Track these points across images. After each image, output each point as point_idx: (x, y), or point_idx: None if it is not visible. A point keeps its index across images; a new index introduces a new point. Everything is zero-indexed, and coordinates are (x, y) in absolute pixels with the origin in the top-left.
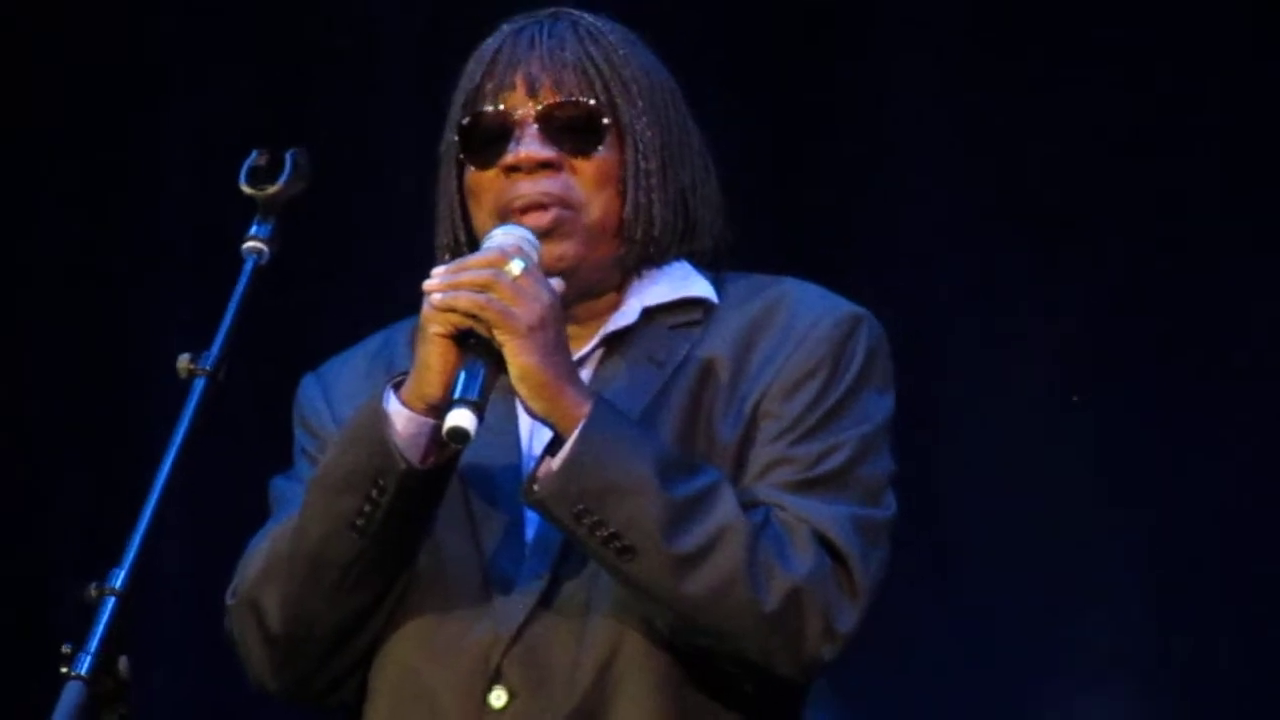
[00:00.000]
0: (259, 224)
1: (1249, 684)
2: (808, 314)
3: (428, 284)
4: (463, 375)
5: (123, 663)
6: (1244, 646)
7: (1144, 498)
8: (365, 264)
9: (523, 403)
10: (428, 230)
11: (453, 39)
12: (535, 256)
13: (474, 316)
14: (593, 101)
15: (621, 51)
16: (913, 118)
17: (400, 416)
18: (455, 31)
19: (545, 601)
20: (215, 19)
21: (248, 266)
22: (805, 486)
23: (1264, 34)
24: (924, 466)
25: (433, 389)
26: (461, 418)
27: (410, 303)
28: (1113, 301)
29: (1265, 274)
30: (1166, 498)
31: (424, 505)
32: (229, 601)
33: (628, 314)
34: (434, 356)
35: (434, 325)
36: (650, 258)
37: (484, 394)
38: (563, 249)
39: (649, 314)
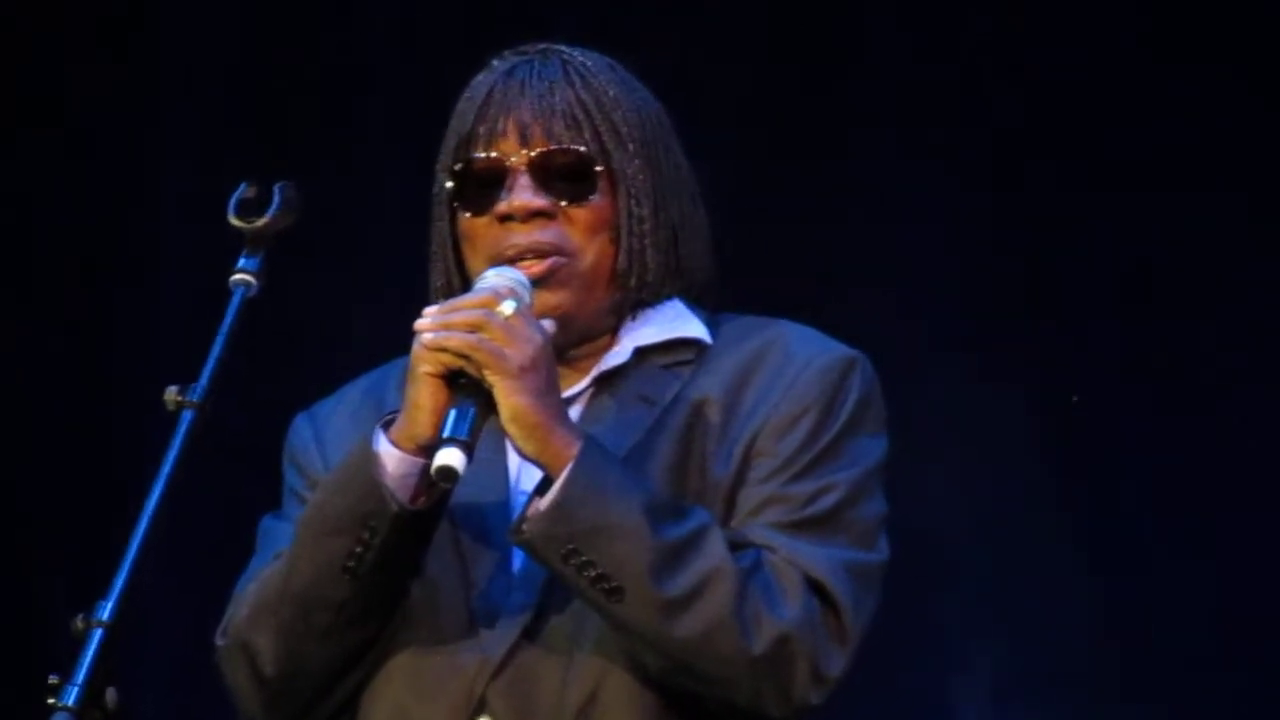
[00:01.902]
0: (247, 256)
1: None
2: (802, 355)
3: (419, 323)
4: (453, 414)
5: (110, 694)
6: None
7: (1129, 526)
8: (354, 294)
9: (513, 443)
10: (417, 259)
11: (444, 54)
12: (528, 298)
13: (465, 357)
14: (584, 149)
15: (612, 92)
16: (893, 146)
17: (390, 457)
18: (447, 39)
19: (531, 633)
20: (211, 48)
21: (236, 299)
22: (797, 527)
23: (1257, 39)
24: (907, 494)
25: (422, 429)
26: (450, 457)
27: (401, 333)
28: (1101, 324)
29: (1266, 302)
30: (1152, 509)
31: (415, 546)
32: (219, 642)
33: (620, 354)
34: (424, 396)
35: (424, 365)
36: (644, 301)
37: (474, 434)
38: (558, 298)
39: (641, 354)
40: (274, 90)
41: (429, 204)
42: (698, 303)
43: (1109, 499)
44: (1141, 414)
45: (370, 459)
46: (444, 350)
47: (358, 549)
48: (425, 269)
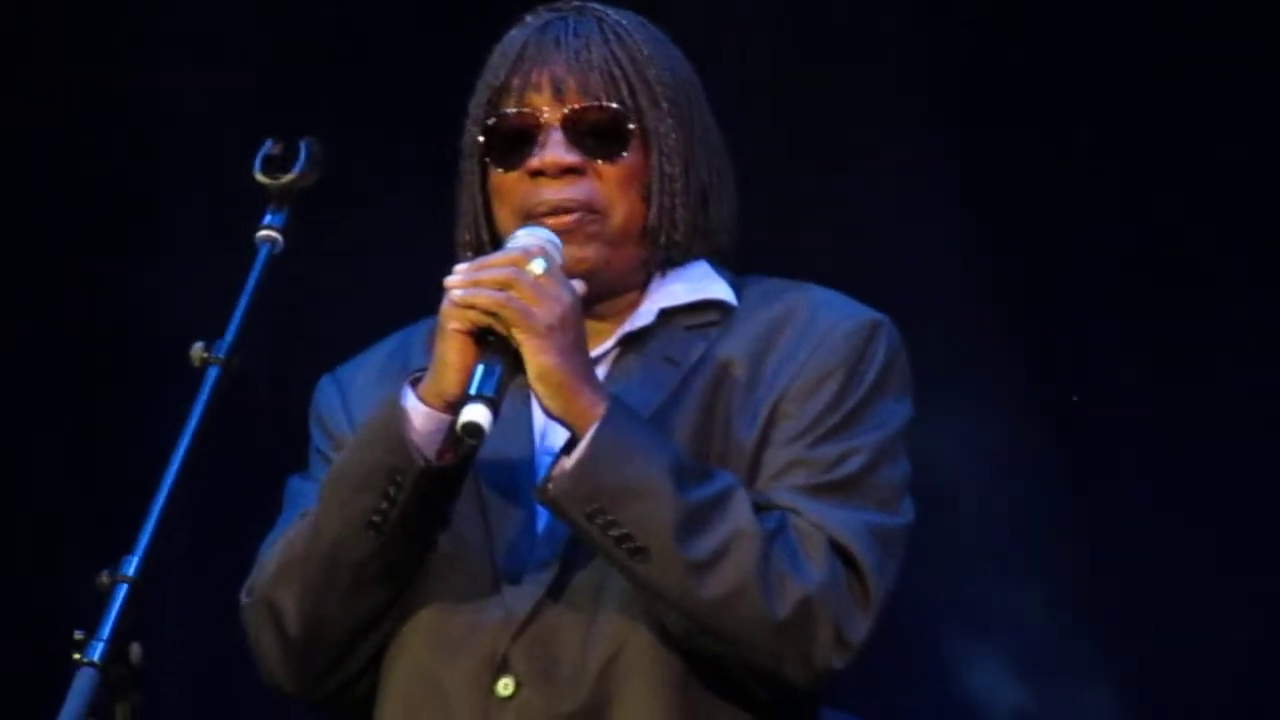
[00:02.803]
0: (273, 213)
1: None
2: (827, 317)
3: (449, 280)
4: (480, 371)
5: (134, 650)
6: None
7: (1120, 513)
8: (379, 255)
9: (539, 401)
10: (443, 219)
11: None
12: (558, 258)
13: (494, 314)
14: (618, 106)
15: (646, 51)
16: (895, 138)
17: (418, 413)
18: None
19: (554, 592)
20: (229, 9)
21: (261, 255)
22: (822, 490)
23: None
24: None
25: (450, 385)
26: (476, 413)
27: (422, 294)
28: (1100, 322)
29: (1256, 303)
30: (1144, 499)
31: (440, 502)
32: (244, 600)
33: (646, 314)
34: (452, 353)
35: (453, 321)
36: (671, 260)
37: (500, 391)
38: (584, 252)
39: (666, 314)
40: (290, 47)
41: (456, 160)
42: (723, 264)
43: (1110, 490)
44: (1141, 410)
45: (397, 415)
46: (473, 307)
47: (383, 505)
48: (451, 227)
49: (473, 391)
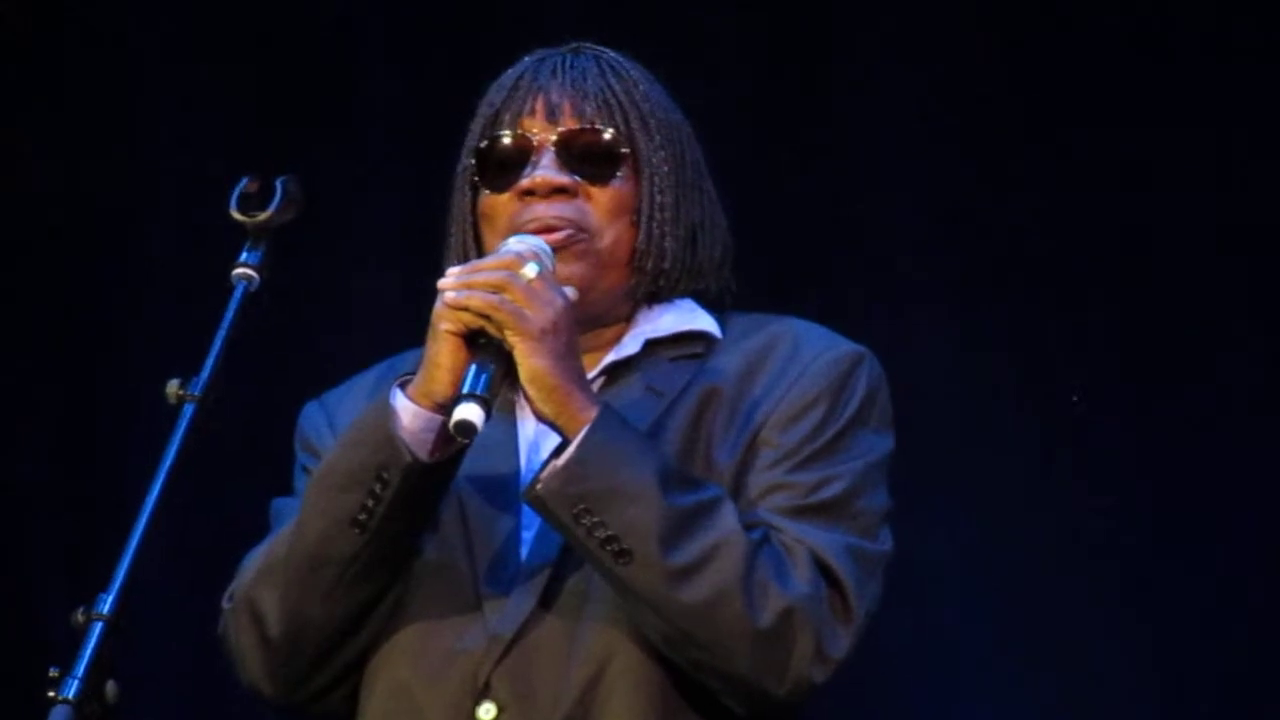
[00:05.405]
0: (249, 250)
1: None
2: (810, 349)
3: (442, 282)
4: (472, 369)
5: (110, 687)
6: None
7: (1128, 531)
8: (356, 290)
9: (530, 405)
10: (420, 257)
11: (440, 63)
12: (550, 264)
13: (486, 317)
14: (611, 131)
15: (642, 87)
16: (887, 140)
17: (406, 412)
18: (442, 53)
19: (536, 616)
20: (205, 44)
21: (237, 293)
22: (802, 513)
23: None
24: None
25: (441, 386)
26: (469, 412)
27: (404, 329)
28: (1101, 321)
29: (1250, 325)
30: (1150, 523)
31: (426, 502)
32: (225, 605)
33: (631, 344)
34: (444, 354)
35: (445, 323)
36: (658, 291)
37: (492, 391)
38: (571, 270)
39: (651, 346)
40: (269, 81)
41: (446, 194)
42: (707, 306)
43: (1110, 491)
44: (1141, 412)
45: (387, 413)
46: (465, 309)
47: (369, 502)
48: (428, 261)
49: (465, 390)
